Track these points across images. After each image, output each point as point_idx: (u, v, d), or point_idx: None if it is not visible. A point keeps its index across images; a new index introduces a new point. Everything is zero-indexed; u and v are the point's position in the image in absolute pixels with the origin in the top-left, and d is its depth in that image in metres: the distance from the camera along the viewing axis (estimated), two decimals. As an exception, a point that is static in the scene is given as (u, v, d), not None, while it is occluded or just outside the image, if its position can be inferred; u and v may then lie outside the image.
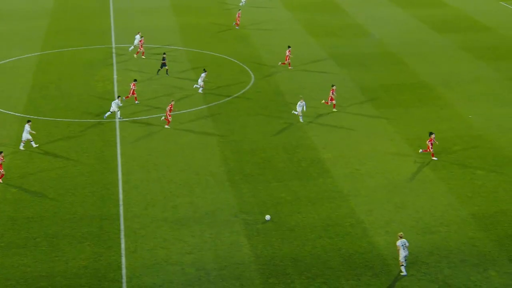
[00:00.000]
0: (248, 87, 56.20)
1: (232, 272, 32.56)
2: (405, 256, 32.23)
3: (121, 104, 49.69)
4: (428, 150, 43.43)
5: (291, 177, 41.49)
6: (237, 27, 72.88)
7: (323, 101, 51.28)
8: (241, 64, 61.88)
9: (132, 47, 63.97)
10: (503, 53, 64.91)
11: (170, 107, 48.20)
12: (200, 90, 54.43)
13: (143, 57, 62.43)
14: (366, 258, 33.75)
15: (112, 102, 49.52)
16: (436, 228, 36.12)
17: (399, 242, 32.22)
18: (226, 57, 63.87)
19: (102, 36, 69.82)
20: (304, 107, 48.94)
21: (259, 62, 62.29)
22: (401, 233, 32.86)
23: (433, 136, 43.19)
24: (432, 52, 65.68)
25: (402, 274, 32.23)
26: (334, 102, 50.86)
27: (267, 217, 36.50)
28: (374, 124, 49.09)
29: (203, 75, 54.68)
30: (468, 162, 43.06)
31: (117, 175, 41.43)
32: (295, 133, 47.64)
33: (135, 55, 62.79)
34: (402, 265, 32.29)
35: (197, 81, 55.00)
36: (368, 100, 53.68)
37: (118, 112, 49.13)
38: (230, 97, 54.05)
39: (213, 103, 52.75)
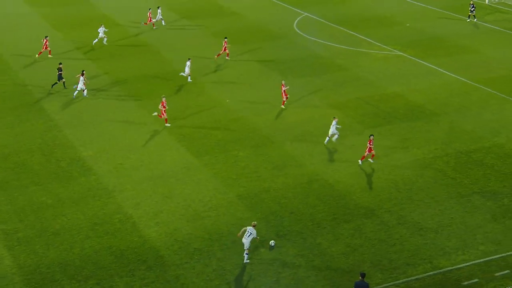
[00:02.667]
0: (-8, 88, 52.00)
1: (-7, 288, 29.84)
2: (247, 245, 31.58)
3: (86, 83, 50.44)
4: (366, 154, 41.33)
5: (51, 179, 39.04)
6: None
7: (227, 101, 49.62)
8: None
9: None
10: (251, 37, 66.84)
11: (162, 104, 45.45)
12: (189, 79, 54.54)
13: None
14: (139, 252, 32.72)
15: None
16: (206, 214, 36.07)
17: (247, 228, 31.74)
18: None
19: None
20: (336, 126, 43.37)
21: None
22: (254, 222, 32.23)
23: (372, 137, 41.20)
24: (182, 39, 65.79)
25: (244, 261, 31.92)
26: (284, 99, 49.42)
27: (272, 242, 32.72)
28: (133, 116, 47.97)
29: (188, 63, 53.99)
30: (230, 146, 43.67)
31: None
32: (50, 132, 44.92)
33: None
34: (246, 253, 31.86)
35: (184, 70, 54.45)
36: (124, 92, 52.35)
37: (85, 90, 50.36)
38: (-27, 100, 49.72)
39: (-46, 108, 48.14)
